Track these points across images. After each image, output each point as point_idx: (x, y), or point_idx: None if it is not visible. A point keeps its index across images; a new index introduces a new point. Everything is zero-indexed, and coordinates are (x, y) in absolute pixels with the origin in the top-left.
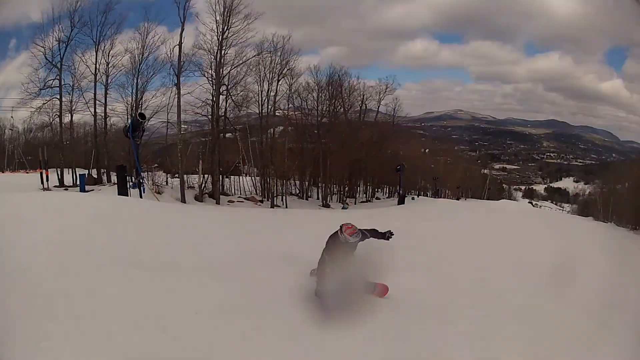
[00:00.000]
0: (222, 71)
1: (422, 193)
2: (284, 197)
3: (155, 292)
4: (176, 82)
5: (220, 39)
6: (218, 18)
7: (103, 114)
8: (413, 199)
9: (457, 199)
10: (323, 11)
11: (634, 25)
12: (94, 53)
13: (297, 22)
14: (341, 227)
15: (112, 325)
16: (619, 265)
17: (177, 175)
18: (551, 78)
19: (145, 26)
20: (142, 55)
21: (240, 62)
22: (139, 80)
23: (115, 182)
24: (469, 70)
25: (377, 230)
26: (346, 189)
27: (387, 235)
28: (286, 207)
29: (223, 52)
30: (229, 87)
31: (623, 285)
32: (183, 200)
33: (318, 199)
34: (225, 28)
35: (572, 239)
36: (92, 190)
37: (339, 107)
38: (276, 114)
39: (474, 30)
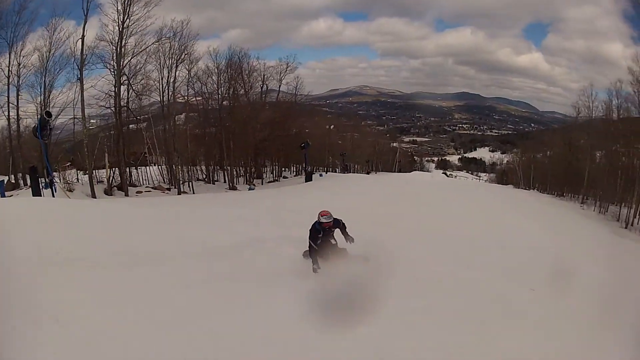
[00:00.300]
0: (123, 61)
1: (330, 169)
2: (190, 183)
3: (54, 287)
4: (79, 76)
5: (120, 28)
6: (119, 7)
7: (16, 117)
8: (321, 175)
9: (367, 173)
10: None
11: (560, 2)
12: (8, 55)
13: (199, 7)
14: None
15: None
16: (548, 231)
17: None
18: (462, 52)
19: (53, 22)
20: (50, 52)
21: (140, 50)
22: (46, 78)
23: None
24: (375, 47)
25: (346, 228)
26: (252, 170)
27: (349, 239)
28: (193, 192)
29: (124, 41)
30: (130, 76)
31: (551, 247)
32: (93, 196)
33: (225, 182)
34: (126, 17)
35: (500, 205)
36: (12, 195)
37: (240, 89)
38: (178, 100)
39: (380, 7)
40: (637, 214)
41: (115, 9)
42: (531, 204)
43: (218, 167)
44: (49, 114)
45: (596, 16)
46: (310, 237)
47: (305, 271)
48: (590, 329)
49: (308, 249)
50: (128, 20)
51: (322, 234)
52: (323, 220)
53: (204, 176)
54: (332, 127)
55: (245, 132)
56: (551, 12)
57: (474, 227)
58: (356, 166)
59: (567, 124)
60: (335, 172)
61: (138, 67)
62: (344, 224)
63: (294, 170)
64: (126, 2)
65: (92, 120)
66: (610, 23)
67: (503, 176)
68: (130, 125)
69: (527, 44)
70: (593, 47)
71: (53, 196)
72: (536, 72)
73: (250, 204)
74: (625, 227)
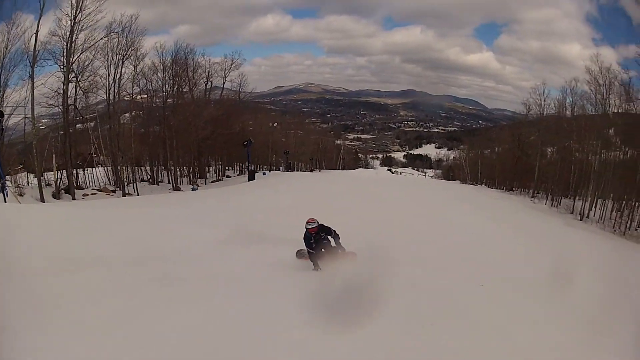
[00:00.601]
0: (73, 57)
1: (274, 167)
2: (135, 185)
3: None
4: (31, 73)
5: (72, 23)
6: (73, 1)
7: None
8: (264, 174)
9: (311, 171)
10: None
11: (517, 4)
12: None
13: (152, 0)
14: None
15: None
16: (499, 225)
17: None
18: (410, 50)
19: (14, 16)
20: (7, 49)
21: (90, 45)
22: (2, 75)
23: None
24: (322, 44)
25: (338, 238)
26: (196, 169)
27: (340, 249)
28: (137, 194)
29: (74, 36)
30: (78, 73)
31: (502, 241)
32: (42, 200)
33: (169, 182)
34: (78, 11)
35: (448, 200)
36: None
37: (184, 86)
38: (123, 98)
39: (330, 4)
40: (593, 206)
41: (70, 2)
42: (480, 198)
43: (162, 167)
44: (1, 114)
45: (555, 18)
46: (305, 245)
47: (247, 274)
48: (535, 325)
49: (307, 253)
50: (80, 14)
51: (313, 239)
52: (307, 227)
53: (149, 177)
54: (275, 124)
55: (188, 131)
56: (507, 13)
57: (421, 221)
58: (300, 164)
59: (516, 120)
60: (279, 170)
61: (86, 63)
62: (337, 233)
63: (238, 169)
64: None
65: (42, 120)
66: (569, 25)
67: (449, 172)
68: (77, 125)
69: (478, 44)
70: (548, 48)
71: (5, 201)
72: (486, 70)
73: (193, 204)
74: (581, 219)
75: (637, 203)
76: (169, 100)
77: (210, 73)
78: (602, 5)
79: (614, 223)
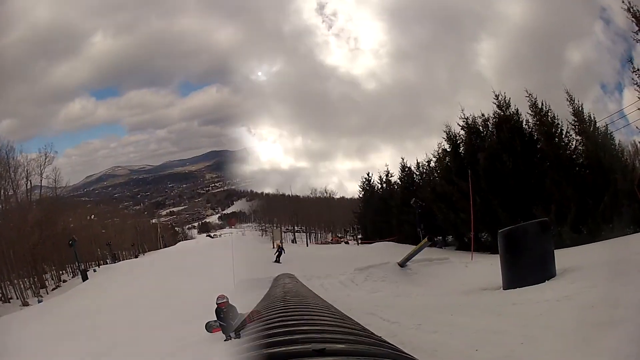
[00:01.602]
0: None
1: (101, 262)
2: None
3: None
4: None
5: None
6: None
7: None
8: (95, 271)
9: (136, 257)
10: None
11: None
12: None
13: None
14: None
15: None
16: None
17: None
18: (207, 112)
19: None
20: None
21: None
22: None
23: None
24: (124, 123)
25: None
26: (35, 279)
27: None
28: None
29: None
30: None
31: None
32: None
33: (17, 298)
34: None
35: None
36: None
37: (9, 190)
38: None
39: (130, 79)
40: None
41: None
42: None
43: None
44: None
45: None
46: (217, 317)
47: None
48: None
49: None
50: None
51: (223, 313)
52: (217, 302)
53: None
54: (93, 217)
55: (20, 239)
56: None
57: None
58: (124, 252)
59: None
60: (107, 263)
61: None
62: (242, 323)
63: (70, 271)
64: None
65: None
66: None
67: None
68: None
69: None
70: None
71: None
72: None
73: None
74: None
75: None
76: None
77: (28, 172)
78: None
79: None
